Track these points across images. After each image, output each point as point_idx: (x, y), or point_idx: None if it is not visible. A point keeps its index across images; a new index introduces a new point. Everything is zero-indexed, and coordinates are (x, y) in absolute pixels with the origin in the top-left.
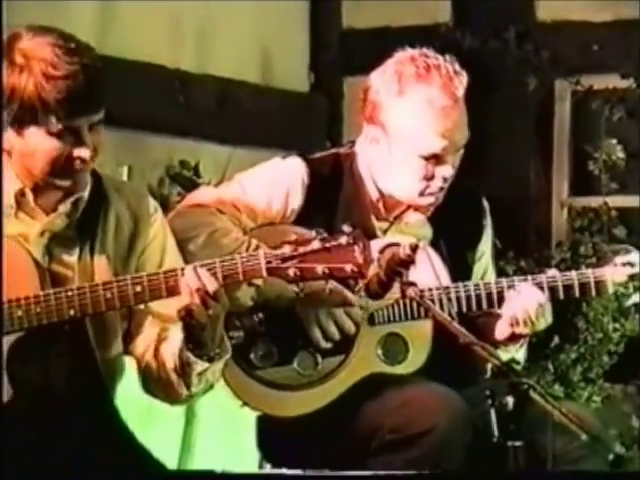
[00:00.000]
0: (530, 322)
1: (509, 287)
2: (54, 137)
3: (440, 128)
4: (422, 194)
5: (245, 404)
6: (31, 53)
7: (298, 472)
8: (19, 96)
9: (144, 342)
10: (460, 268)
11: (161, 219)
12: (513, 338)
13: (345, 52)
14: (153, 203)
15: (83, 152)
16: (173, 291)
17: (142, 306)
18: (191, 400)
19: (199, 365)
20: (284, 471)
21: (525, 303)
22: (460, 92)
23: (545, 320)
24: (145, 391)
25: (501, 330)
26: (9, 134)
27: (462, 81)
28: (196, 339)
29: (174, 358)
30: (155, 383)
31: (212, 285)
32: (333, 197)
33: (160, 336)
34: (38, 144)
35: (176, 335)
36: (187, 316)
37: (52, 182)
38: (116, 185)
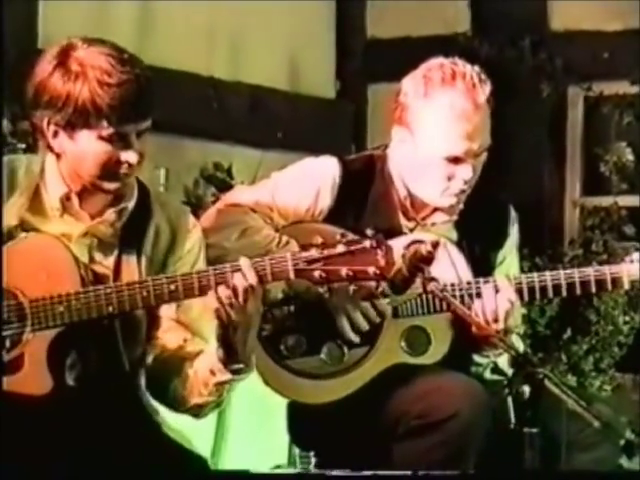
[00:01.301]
0: (496, 319)
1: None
2: (104, 141)
3: (460, 131)
4: (443, 195)
5: (267, 384)
6: (86, 61)
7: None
8: (74, 101)
9: (162, 345)
10: (481, 271)
11: (198, 236)
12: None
13: (369, 61)
14: (192, 220)
15: (131, 156)
16: (205, 290)
17: (164, 312)
18: (199, 411)
19: (222, 375)
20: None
21: (496, 300)
22: (482, 99)
23: (514, 320)
24: (153, 395)
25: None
26: (61, 138)
27: (485, 89)
28: (228, 343)
29: (199, 362)
30: (168, 386)
31: (251, 281)
32: (364, 196)
33: (184, 342)
34: (88, 147)
35: (205, 342)
36: (223, 314)
37: (99, 185)
38: (162, 200)
